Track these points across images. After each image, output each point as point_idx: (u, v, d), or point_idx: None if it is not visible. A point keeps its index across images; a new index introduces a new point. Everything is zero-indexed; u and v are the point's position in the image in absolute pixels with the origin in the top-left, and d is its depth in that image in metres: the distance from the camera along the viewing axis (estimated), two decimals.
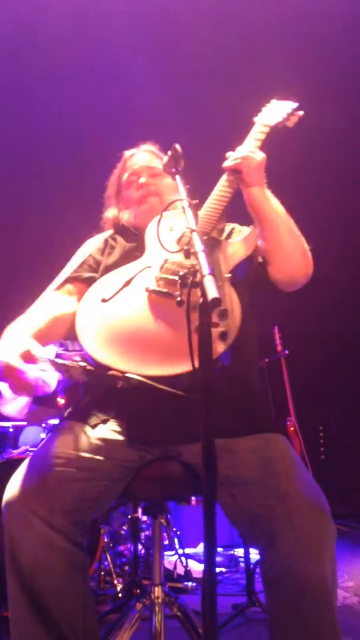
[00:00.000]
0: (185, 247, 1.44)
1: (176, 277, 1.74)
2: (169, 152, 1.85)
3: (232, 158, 2.06)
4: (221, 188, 2.08)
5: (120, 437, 1.82)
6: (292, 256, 2.02)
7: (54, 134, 5.41)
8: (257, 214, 2.04)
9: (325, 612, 1.60)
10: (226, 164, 2.06)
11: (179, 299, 1.43)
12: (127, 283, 1.89)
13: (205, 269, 1.29)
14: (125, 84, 5.34)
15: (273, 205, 2.03)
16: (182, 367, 1.63)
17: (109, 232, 2.34)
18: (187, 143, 2.28)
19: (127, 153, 2.39)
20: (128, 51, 5.19)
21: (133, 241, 2.22)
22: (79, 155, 5.40)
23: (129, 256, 2.13)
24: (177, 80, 5.34)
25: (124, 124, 5.10)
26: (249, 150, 2.04)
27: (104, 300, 1.87)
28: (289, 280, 2.07)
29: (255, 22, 5.10)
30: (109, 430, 1.83)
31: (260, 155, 2.05)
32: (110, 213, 2.38)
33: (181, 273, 1.65)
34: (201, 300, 1.26)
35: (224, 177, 2.08)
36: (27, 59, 5.14)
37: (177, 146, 1.85)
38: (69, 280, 2.16)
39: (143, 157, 2.34)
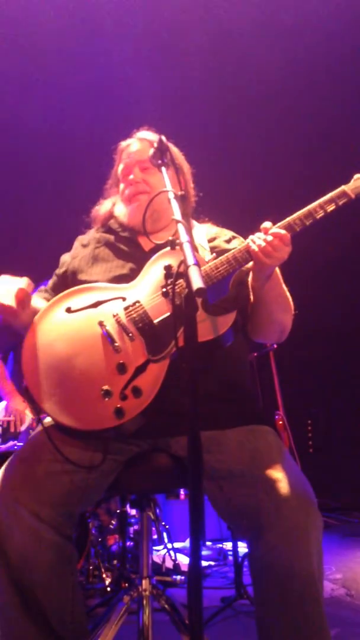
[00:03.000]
0: (170, 238, 1.43)
1: (130, 326, 1.80)
2: (155, 145, 1.84)
3: (258, 241, 1.82)
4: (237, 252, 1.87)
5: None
6: (270, 333, 2.05)
7: (45, 130, 5.38)
8: (254, 291, 1.96)
9: (313, 602, 1.61)
10: (252, 245, 1.83)
11: (163, 289, 1.42)
12: (96, 304, 1.87)
13: (190, 259, 1.29)
14: (117, 79, 5.31)
15: (273, 287, 1.92)
16: (93, 424, 1.70)
17: (94, 233, 2.30)
18: (182, 139, 2.26)
19: (122, 144, 2.30)
20: (121, 47, 5.16)
21: (123, 243, 2.19)
22: (69, 152, 5.38)
23: (121, 257, 2.12)
24: (171, 75, 5.33)
25: (116, 120, 5.09)
26: (277, 247, 1.80)
27: (68, 310, 1.87)
28: (257, 341, 2.11)
29: (250, 20, 5.09)
30: None
31: (285, 255, 1.83)
32: (104, 206, 2.33)
33: (140, 325, 1.78)
34: (186, 290, 1.25)
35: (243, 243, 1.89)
36: (17, 55, 5.11)
37: (163, 138, 1.83)
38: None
39: (136, 149, 2.24)
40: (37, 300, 2.05)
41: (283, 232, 1.81)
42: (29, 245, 5.34)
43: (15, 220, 5.51)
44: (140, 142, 2.24)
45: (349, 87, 5.44)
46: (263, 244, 1.79)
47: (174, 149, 2.21)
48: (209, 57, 5.25)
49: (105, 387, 1.71)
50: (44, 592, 1.64)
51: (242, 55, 5.23)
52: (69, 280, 2.13)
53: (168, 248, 1.81)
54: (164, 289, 1.49)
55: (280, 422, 5.33)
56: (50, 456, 1.70)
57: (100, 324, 1.81)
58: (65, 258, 2.26)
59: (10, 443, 3.79)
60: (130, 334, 1.79)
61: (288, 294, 2.00)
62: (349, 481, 6.20)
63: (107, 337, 1.79)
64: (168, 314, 1.78)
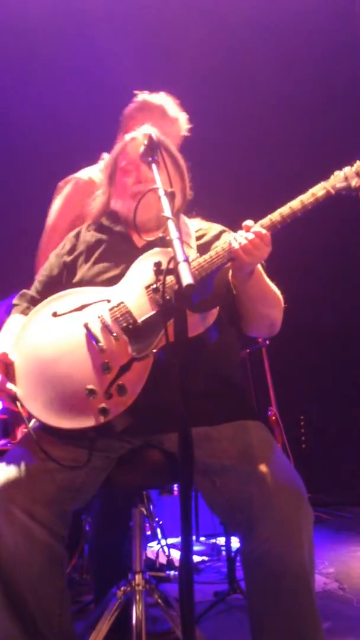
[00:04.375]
0: (161, 235, 1.43)
1: (114, 326, 1.80)
2: (145, 142, 1.84)
3: (239, 239, 1.81)
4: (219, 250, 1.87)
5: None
6: (260, 327, 2.05)
7: (37, 128, 5.36)
8: (236, 288, 1.94)
9: (304, 595, 1.63)
10: (233, 242, 1.81)
11: (154, 286, 1.43)
12: (81, 308, 1.88)
13: (180, 255, 1.30)
14: (110, 75, 5.30)
15: (255, 284, 1.92)
16: (79, 423, 1.71)
17: (84, 231, 2.25)
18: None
19: (127, 136, 2.22)
20: (112, 42, 5.16)
21: (117, 241, 2.15)
22: (63, 150, 5.37)
23: (116, 255, 2.08)
24: (164, 72, 5.33)
25: (108, 114, 5.10)
26: (257, 245, 1.79)
27: (54, 315, 1.89)
28: (250, 335, 2.10)
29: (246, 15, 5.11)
30: None
31: (265, 254, 1.83)
32: (98, 200, 2.27)
33: (124, 324, 1.78)
34: (176, 286, 1.26)
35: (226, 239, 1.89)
36: (9, 53, 5.10)
37: (153, 135, 1.84)
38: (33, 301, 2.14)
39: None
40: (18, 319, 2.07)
41: (264, 231, 1.81)
42: (20, 242, 5.31)
43: (5, 214, 5.51)
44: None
45: (342, 87, 5.48)
46: (244, 241, 1.79)
47: (171, 146, 2.20)
48: (206, 52, 5.26)
49: (90, 387, 1.72)
50: (32, 592, 1.64)
51: (238, 52, 5.24)
52: (64, 280, 2.12)
53: (157, 249, 1.84)
54: (154, 286, 1.49)
55: (273, 418, 5.34)
56: (42, 454, 1.70)
57: (86, 325, 1.82)
58: (55, 258, 2.22)
59: (4, 441, 3.79)
60: (115, 334, 1.80)
61: (275, 288, 2.00)
62: (341, 476, 6.22)
63: (92, 338, 1.80)
64: (152, 312, 1.80)
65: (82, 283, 2.04)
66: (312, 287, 5.95)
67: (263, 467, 1.68)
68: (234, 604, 3.16)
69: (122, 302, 1.85)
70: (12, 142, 5.40)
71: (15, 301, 2.18)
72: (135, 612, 1.97)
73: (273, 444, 1.80)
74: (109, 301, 1.88)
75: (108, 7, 5.03)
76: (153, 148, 1.82)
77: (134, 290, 1.88)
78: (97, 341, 1.79)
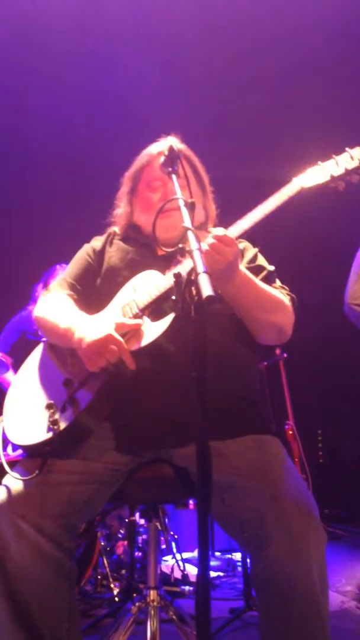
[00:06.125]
0: (180, 246, 1.42)
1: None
2: (165, 152, 1.84)
3: (203, 247, 1.68)
4: None
5: (110, 442, 1.82)
6: (266, 335, 1.98)
7: (53, 135, 5.41)
8: (228, 300, 1.90)
9: (314, 617, 1.56)
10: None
11: (173, 297, 1.41)
12: None
13: (200, 267, 1.29)
14: (127, 84, 5.34)
15: (246, 292, 1.87)
16: (32, 438, 1.77)
17: (112, 230, 2.26)
18: (193, 143, 2.23)
19: (154, 150, 2.16)
20: (130, 50, 5.18)
21: (139, 247, 2.15)
22: (79, 157, 5.41)
23: (131, 264, 2.08)
24: (181, 80, 5.35)
25: (126, 124, 5.13)
26: (217, 248, 1.71)
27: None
28: (262, 343, 2.03)
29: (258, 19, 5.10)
30: (98, 436, 1.81)
31: (229, 256, 1.73)
32: (121, 212, 2.25)
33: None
34: (196, 298, 1.25)
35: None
36: (26, 59, 5.15)
37: (173, 146, 1.83)
38: (71, 286, 2.15)
39: None
40: (62, 298, 2.08)
41: (222, 233, 1.74)
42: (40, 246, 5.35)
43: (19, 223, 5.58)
44: None
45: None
46: (206, 247, 1.71)
47: (193, 157, 2.19)
48: (224, 63, 5.27)
49: (50, 401, 1.79)
50: (39, 606, 1.61)
51: (254, 58, 5.24)
52: (102, 275, 2.13)
53: (135, 282, 1.95)
54: (173, 297, 1.45)
55: (290, 432, 5.30)
56: (49, 467, 1.69)
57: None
58: (92, 251, 2.20)
59: (19, 451, 3.78)
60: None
61: (275, 292, 1.95)
62: (359, 491, 6.14)
63: (67, 357, 1.91)
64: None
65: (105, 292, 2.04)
66: (332, 299, 5.90)
67: (273, 485, 1.64)
68: (250, 621, 3.12)
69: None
70: (30, 155, 5.46)
71: (53, 286, 2.17)
72: (150, 628, 1.94)
73: (285, 460, 1.75)
74: None
75: (127, 19, 5.06)
76: (173, 159, 1.81)
77: (113, 311, 1.93)
78: (70, 358, 1.90)
